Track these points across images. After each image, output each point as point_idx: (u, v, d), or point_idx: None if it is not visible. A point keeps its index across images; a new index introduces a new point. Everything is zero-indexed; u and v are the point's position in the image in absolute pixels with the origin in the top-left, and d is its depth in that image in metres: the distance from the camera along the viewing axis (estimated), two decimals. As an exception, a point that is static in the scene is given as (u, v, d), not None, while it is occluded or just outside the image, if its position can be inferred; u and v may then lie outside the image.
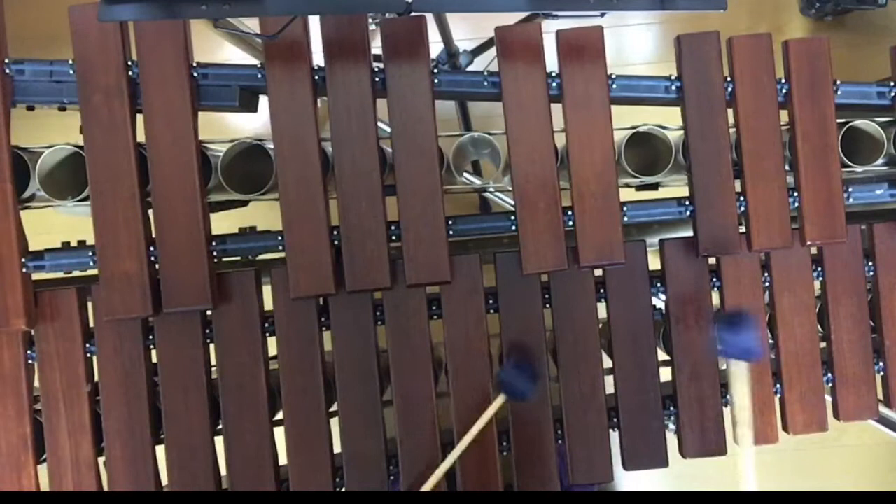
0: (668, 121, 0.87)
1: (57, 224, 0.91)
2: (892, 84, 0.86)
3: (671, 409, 0.85)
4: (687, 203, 0.83)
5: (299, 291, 0.78)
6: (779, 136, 0.82)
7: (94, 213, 0.77)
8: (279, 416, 0.83)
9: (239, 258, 0.86)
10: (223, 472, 0.82)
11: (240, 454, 0.80)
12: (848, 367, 0.86)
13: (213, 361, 0.81)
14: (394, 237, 0.79)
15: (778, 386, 0.85)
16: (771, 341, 0.85)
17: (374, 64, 0.79)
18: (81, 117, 0.77)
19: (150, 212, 0.79)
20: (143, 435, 0.80)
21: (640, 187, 0.96)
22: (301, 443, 0.81)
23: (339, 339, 0.81)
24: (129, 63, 0.78)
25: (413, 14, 0.70)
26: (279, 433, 0.81)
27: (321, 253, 0.78)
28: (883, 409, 0.93)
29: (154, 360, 0.81)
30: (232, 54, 1.37)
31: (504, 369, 0.80)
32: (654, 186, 0.96)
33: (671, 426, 0.85)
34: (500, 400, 0.78)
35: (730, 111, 0.83)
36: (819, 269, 0.86)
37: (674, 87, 0.83)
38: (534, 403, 0.81)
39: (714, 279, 0.84)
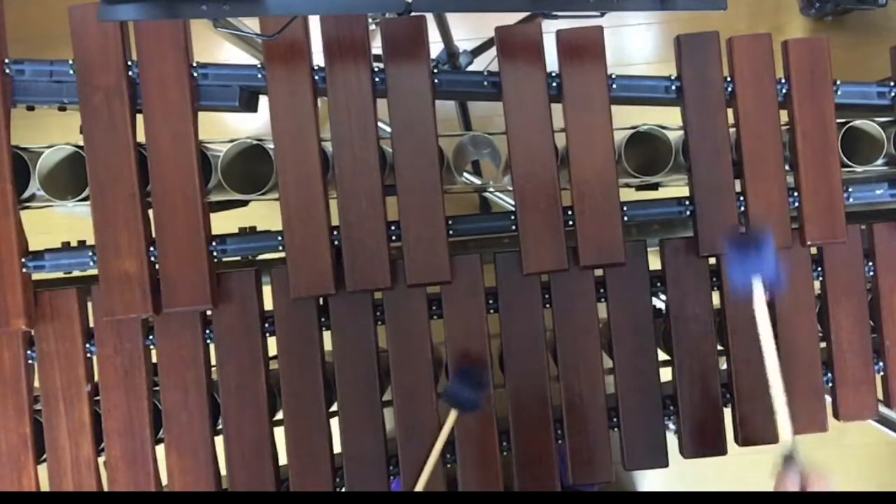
0: (668, 121, 0.87)
1: (57, 224, 0.91)
2: (892, 84, 0.86)
3: (671, 409, 0.85)
4: (687, 203, 0.83)
5: (299, 291, 0.78)
6: (779, 136, 0.82)
7: (94, 213, 0.77)
8: (279, 416, 0.83)
9: (239, 258, 0.86)
10: (223, 472, 0.82)
11: (240, 454, 0.80)
12: (848, 367, 0.86)
13: (213, 361, 0.81)
14: (394, 237, 0.79)
15: (778, 386, 0.85)
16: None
17: (374, 64, 0.79)
18: (81, 117, 0.78)
19: (150, 212, 0.79)
20: (143, 435, 0.80)
21: (640, 187, 0.96)
22: (301, 443, 0.81)
23: (339, 339, 0.81)
24: (129, 63, 0.78)
25: (413, 14, 0.70)
26: (279, 433, 0.81)
27: (321, 253, 0.78)
28: (883, 409, 0.93)
29: (154, 360, 0.81)
30: (232, 54, 1.37)
31: (449, 383, 0.79)
32: (654, 186, 0.96)
33: (671, 426, 0.85)
34: (453, 415, 0.78)
35: (730, 111, 0.83)
36: (819, 269, 0.86)
37: (674, 87, 0.83)
38: (533, 395, 0.81)
39: (714, 279, 0.84)
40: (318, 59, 0.79)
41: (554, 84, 0.80)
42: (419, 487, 0.78)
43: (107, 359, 0.80)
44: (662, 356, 0.87)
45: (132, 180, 0.77)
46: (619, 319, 0.83)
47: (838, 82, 0.84)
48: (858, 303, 0.86)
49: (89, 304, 0.81)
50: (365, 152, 0.78)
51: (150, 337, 0.81)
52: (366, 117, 0.78)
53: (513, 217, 0.80)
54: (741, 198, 0.82)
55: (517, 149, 0.79)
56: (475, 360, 0.81)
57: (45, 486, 0.80)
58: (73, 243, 0.84)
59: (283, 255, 0.79)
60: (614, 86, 0.81)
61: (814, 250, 0.86)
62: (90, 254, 0.80)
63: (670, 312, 0.84)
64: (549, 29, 0.79)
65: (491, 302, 0.83)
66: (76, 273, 0.83)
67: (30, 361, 0.80)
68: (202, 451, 0.80)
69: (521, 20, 1.05)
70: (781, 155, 0.82)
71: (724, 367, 0.86)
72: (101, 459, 0.81)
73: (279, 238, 0.80)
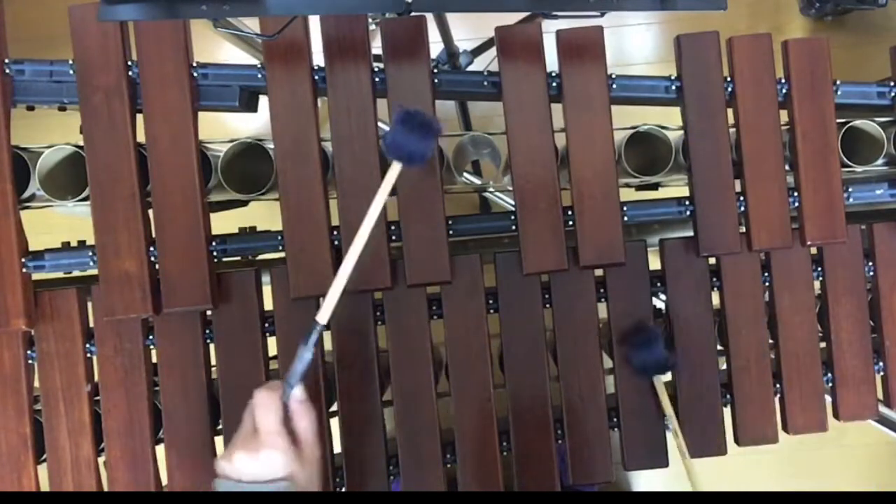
0: (668, 121, 0.87)
1: (57, 224, 0.91)
2: (892, 84, 0.86)
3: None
4: (687, 203, 0.83)
5: (299, 291, 0.78)
6: (779, 136, 0.82)
7: (94, 213, 0.77)
8: (279, 416, 0.83)
9: (239, 258, 0.86)
10: (223, 472, 0.81)
11: (240, 454, 0.80)
12: (848, 367, 0.86)
13: (213, 361, 0.81)
14: (394, 237, 0.79)
15: (778, 386, 0.85)
16: (771, 341, 0.86)
17: (374, 64, 0.79)
18: (81, 117, 0.77)
19: (150, 212, 0.79)
20: (143, 435, 0.80)
21: (640, 187, 0.97)
22: (301, 443, 0.81)
23: (339, 338, 0.81)
24: (129, 63, 0.78)
25: (413, 14, 0.70)
26: (279, 433, 0.81)
27: (321, 253, 0.78)
28: (883, 409, 0.93)
29: (154, 360, 0.81)
30: (232, 54, 1.37)
31: (392, 130, 0.65)
32: (654, 186, 0.96)
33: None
34: (395, 167, 0.65)
35: (730, 111, 0.83)
36: (819, 269, 0.86)
37: (674, 87, 0.82)
38: (533, 395, 0.81)
39: (714, 279, 0.84)
40: (318, 59, 0.79)
41: (554, 84, 0.80)
42: (359, 243, 0.65)
43: (107, 359, 0.80)
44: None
45: (132, 180, 0.77)
46: (619, 319, 0.83)
47: (838, 82, 0.84)
48: (858, 303, 0.86)
49: (89, 304, 0.81)
50: (365, 152, 0.78)
51: (150, 337, 0.81)
52: (366, 117, 0.78)
53: (513, 217, 0.80)
54: (741, 198, 0.82)
55: (517, 149, 0.79)
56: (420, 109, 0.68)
57: (45, 486, 0.80)
58: (73, 243, 0.84)
59: (283, 255, 0.79)
60: (614, 86, 0.81)
61: (814, 250, 0.86)
62: (90, 254, 0.80)
63: (670, 312, 0.84)
64: (549, 29, 0.79)
65: (491, 302, 0.83)
66: (76, 273, 0.83)
67: (30, 361, 0.80)
68: (202, 451, 0.80)
69: (521, 20, 1.05)
70: (781, 155, 0.82)
71: (724, 367, 0.86)
72: (101, 459, 0.81)
73: (279, 238, 0.80)
